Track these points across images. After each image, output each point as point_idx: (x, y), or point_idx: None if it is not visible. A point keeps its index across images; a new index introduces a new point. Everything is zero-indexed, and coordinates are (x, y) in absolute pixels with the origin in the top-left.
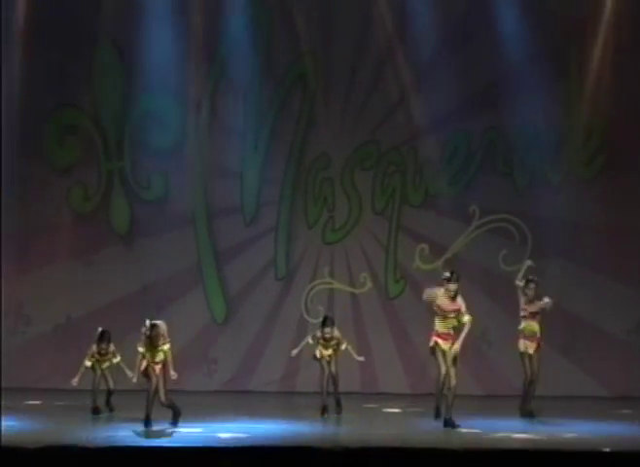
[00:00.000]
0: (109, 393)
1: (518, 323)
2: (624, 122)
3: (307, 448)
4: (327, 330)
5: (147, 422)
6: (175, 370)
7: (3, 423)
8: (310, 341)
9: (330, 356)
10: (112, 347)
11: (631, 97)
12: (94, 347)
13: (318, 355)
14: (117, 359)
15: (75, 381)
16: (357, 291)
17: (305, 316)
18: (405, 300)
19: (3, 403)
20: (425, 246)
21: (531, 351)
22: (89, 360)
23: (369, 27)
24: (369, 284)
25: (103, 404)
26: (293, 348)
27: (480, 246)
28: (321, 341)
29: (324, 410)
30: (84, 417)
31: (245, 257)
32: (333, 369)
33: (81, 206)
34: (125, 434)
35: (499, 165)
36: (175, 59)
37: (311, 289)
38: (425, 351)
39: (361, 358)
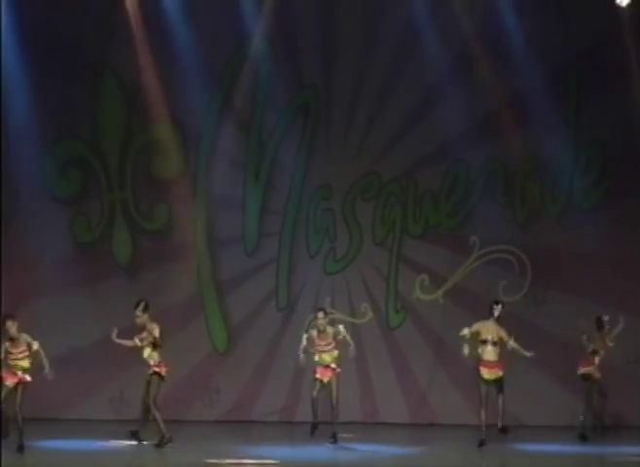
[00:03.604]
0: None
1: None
2: (623, 152)
3: None
4: (320, 314)
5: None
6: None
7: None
8: (305, 342)
9: (329, 373)
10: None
11: (630, 128)
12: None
13: (318, 375)
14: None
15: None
16: (358, 321)
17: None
18: (405, 330)
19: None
20: (425, 277)
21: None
22: None
23: (369, 61)
24: (369, 314)
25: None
26: (294, 379)
27: (480, 277)
28: (317, 339)
29: (313, 427)
30: (83, 446)
31: (247, 287)
32: (334, 395)
33: (83, 237)
34: (124, 462)
35: (499, 196)
36: (177, 90)
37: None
38: (425, 381)
39: (351, 346)
